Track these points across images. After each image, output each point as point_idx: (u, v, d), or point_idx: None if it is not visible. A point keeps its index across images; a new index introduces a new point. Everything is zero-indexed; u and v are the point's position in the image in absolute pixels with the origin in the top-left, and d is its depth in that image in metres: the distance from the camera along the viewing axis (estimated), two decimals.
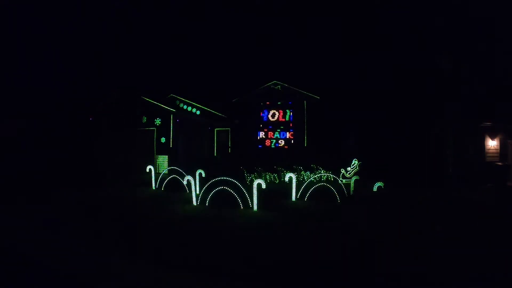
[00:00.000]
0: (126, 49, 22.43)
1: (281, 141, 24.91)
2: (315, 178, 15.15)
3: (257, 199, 9.89)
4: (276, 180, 16.29)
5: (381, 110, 21.11)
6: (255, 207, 9.85)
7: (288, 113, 24.93)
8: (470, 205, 10.94)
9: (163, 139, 21.13)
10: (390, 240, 7.03)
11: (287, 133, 24.88)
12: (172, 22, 23.11)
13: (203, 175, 13.33)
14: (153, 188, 14.36)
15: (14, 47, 17.74)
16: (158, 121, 21.28)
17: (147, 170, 15.01)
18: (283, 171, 16.69)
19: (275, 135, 25.08)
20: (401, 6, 19.21)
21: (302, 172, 16.94)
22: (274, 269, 5.44)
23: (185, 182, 11.88)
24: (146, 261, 5.71)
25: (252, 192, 9.99)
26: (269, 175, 16.35)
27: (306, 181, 13.38)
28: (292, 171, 15.49)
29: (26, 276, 5.22)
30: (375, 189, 9.71)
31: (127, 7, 21.49)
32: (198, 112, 26.82)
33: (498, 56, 16.66)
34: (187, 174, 11.69)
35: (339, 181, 13.70)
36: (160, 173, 16.68)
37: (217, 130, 26.48)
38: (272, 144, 25.00)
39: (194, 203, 10.74)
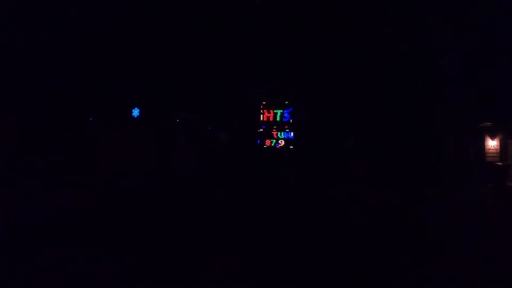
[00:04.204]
0: (122, 45, 22.33)
1: (281, 141, 24.85)
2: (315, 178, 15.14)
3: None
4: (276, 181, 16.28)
5: (381, 110, 21.06)
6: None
7: (288, 113, 24.87)
8: (470, 205, 10.93)
9: (162, 139, 21.03)
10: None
11: (287, 133, 24.82)
12: (170, 20, 23.05)
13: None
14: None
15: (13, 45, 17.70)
16: (157, 121, 21.19)
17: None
18: (283, 172, 16.68)
19: (275, 135, 25.01)
20: (401, 3, 19.16)
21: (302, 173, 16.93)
22: None
23: None
24: None
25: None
26: (269, 175, 16.34)
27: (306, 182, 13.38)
28: (293, 171, 15.47)
29: None
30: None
31: (126, 6, 21.41)
32: (197, 112, 26.71)
33: (498, 55, 16.62)
34: (187, 174, 11.70)
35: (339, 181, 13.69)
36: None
37: (216, 131, 26.41)
38: (272, 144, 24.93)
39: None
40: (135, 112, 22.07)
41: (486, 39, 16.27)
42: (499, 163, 15.59)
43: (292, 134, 24.73)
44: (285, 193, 12.33)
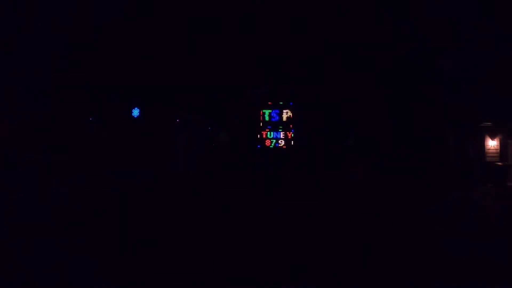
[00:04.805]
0: (122, 45, 22.31)
1: (281, 141, 24.85)
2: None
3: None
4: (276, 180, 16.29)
5: (381, 110, 21.07)
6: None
7: (288, 113, 24.88)
8: (470, 205, 10.94)
9: (162, 139, 21.04)
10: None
11: (287, 133, 24.83)
12: (170, 21, 23.03)
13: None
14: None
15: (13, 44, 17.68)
16: (157, 121, 21.19)
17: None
18: (283, 171, 16.70)
19: (275, 135, 25.02)
20: (401, 3, 19.16)
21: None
22: None
23: None
24: None
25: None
26: (269, 175, 16.37)
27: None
28: (293, 171, 15.50)
29: None
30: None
31: (126, 6, 21.42)
32: (197, 112, 26.72)
33: (498, 55, 16.63)
34: (187, 174, 11.72)
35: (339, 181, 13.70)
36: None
37: (216, 131, 26.42)
38: (272, 144, 24.94)
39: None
40: (135, 112, 22.06)
41: (486, 39, 16.25)
42: (499, 163, 15.59)
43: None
44: (285, 193, 12.33)
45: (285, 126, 24.90)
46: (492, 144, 16.32)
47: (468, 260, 5.85)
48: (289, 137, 24.74)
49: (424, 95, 18.51)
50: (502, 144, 16.22)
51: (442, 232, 7.75)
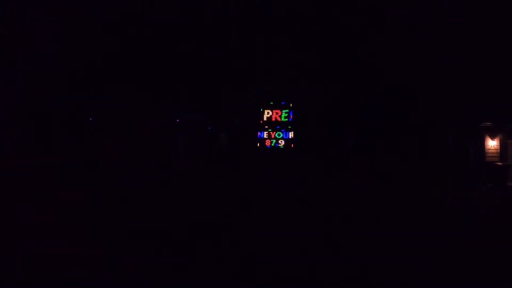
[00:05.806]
0: (122, 45, 22.31)
1: (281, 141, 24.83)
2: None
3: None
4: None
5: (381, 110, 21.08)
6: None
7: (288, 113, 24.86)
8: (470, 205, 10.94)
9: (162, 139, 21.07)
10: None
11: (287, 133, 24.81)
12: (170, 20, 23.04)
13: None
14: None
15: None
16: (157, 121, 21.22)
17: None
18: (283, 172, 16.71)
19: (275, 135, 25.01)
20: (401, 3, 19.17)
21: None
22: None
23: None
24: None
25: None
26: (269, 175, 16.37)
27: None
28: (293, 171, 15.51)
29: None
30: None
31: (125, 6, 21.42)
32: (197, 112, 26.72)
33: (498, 55, 16.62)
34: (187, 174, 11.72)
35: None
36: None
37: (216, 131, 26.42)
38: (272, 144, 24.92)
39: None
40: (135, 112, 22.04)
41: (486, 39, 16.26)
42: (499, 163, 15.59)
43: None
44: (284, 193, 12.35)
45: (285, 126, 24.88)
46: (492, 144, 16.32)
47: (469, 260, 5.85)
48: (290, 137, 24.71)
49: (424, 95, 18.50)
50: (502, 144, 16.22)
51: (442, 232, 7.75)
